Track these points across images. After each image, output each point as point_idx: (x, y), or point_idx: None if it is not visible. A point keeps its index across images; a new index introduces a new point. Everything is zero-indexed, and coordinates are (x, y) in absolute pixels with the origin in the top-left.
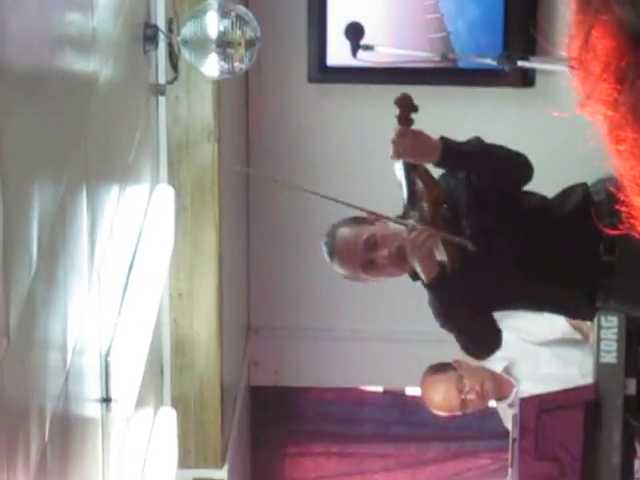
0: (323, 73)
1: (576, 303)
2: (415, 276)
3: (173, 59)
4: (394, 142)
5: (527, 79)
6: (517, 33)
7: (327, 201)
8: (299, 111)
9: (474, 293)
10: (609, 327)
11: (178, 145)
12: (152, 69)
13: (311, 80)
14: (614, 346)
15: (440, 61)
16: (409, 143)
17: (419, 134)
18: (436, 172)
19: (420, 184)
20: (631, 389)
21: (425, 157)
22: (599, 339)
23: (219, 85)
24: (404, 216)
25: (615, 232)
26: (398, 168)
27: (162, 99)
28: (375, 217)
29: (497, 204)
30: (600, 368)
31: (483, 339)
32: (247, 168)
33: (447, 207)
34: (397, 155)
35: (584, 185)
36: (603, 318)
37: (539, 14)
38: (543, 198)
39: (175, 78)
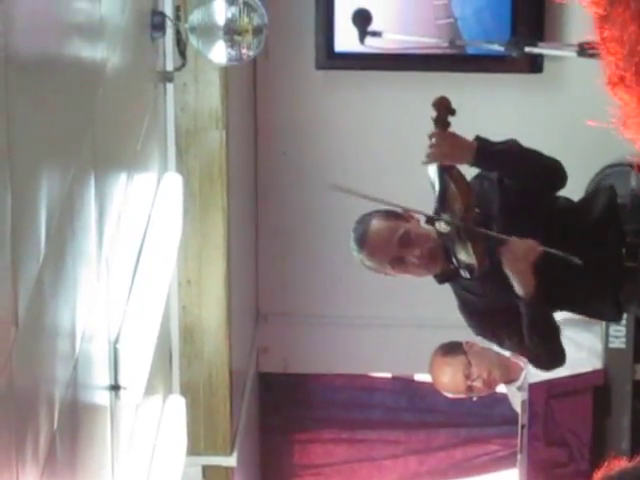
0: (331, 60)
1: (603, 306)
2: (442, 279)
3: (181, 46)
4: (431, 146)
5: (535, 65)
6: (525, 19)
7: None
8: (307, 98)
9: (503, 296)
10: None
11: (186, 132)
12: (160, 56)
13: (319, 67)
14: (623, 331)
15: (448, 47)
16: (447, 146)
17: (456, 137)
18: (467, 173)
19: (453, 186)
20: None
21: (462, 158)
22: (608, 325)
23: (227, 72)
24: (436, 217)
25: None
26: (432, 169)
27: (170, 86)
28: (409, 214)
29: (528, 208)
30: (609, 353)
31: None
32: (337, 185)
33: (478, 211)
34: (435, 159)
35: (610, 188)
36: None
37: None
38: (567, 200)
39: (183, 65)
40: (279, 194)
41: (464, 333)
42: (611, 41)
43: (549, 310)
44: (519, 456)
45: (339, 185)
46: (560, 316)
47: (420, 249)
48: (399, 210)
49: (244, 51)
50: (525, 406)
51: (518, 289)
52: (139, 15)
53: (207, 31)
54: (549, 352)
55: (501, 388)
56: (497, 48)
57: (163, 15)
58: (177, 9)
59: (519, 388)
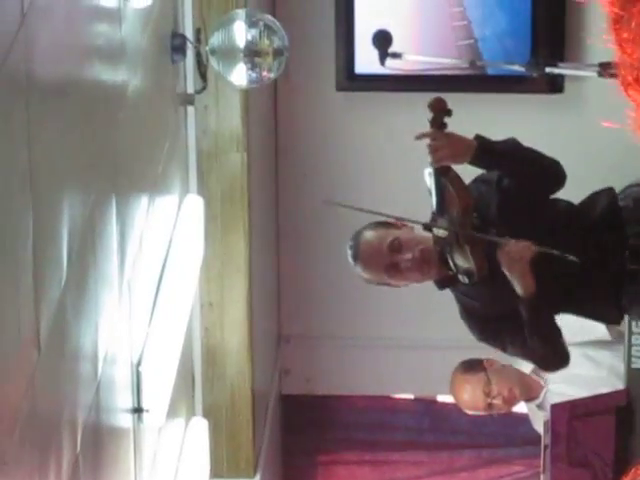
0: (351, 81)
1: (605, 308)
2: (441, 284)
3: (201, 69)
4: (430, 147)
5: (556, 85)
6: (545, 39)
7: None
8: (328, 120)
9: (504, 301)
10: None
11: (207, 154)
12: (180, 79)
13: (339, 88)
14: None
15: (468, 68)
16: (446, 147)
17: (453, 136)
18: (465, 177)
19: (451, 189)
20: None
21: (462, 157)
22: (630, 345)
23: (247, 94)
24: (432, 222)
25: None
26: (428, 174)
27: (191, 109)
28: (401, 223)
29: (527, 210)
30: (631, 373)
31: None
32: (333, 201)
33: (476, 215)
34: (436, 161)
35: (610, 190)
36: (634, 324)
37: (567, 19)
38: (569, 204)
39: (203, 88)
40: (300, 216)
41: (486, 353)
42: (627, 42)
43: (549, 311)
44: (542, 477)
45: (332, 200)
46: (580, 337)
47: (412, 253)
48: (391, 220)
49: (265, 73)
50: (547, 427)
51: (518, 290)
52: (159, 38)
53: (228, 53)
54: (551, 353)
55: (521, 407)
56: (517, 69)
57: (184, 37)
58: (197, 31)
59: (539, 406)
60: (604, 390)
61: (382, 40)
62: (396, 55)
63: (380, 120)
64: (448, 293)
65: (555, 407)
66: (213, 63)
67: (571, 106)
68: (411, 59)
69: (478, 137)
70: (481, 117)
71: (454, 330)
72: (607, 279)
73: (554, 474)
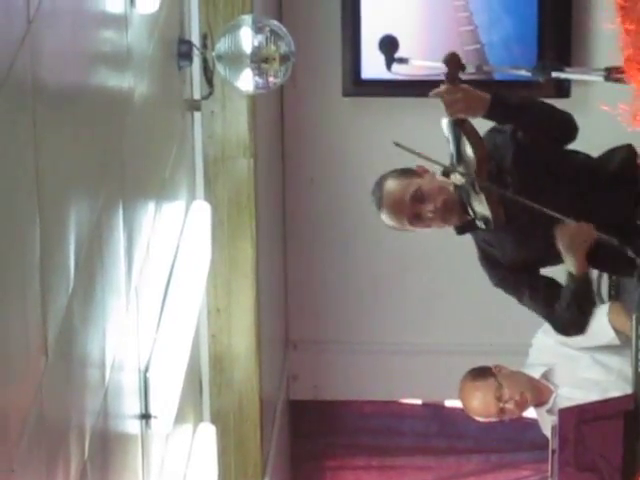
0: (358, 87)
1: (618, 262)
2: (461, 229)
3: (208, 74)
4: (446, 101)
5: (562, 90)
6: (551, 44)
7: (363, 214)
8: (334, 125)
9: (523, 252)
10: None
11: (214, 160)
12: (187, 85)
13: (346, 94)
14: None
15: (475, 73)
16: (461, 100)
17: (468, 90)
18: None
19: (466, 140)
20: None
21: (476, 110)
22: (637, 349)
23: (254, 100)
24: (450, 169)
25: None
26: (445, 124)
27: (197, 114)
28: (423, 169)
29: (542, 161)
30: (639, 378)
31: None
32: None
33: (492, 163)
34: (451, 114)
35: (629, 146)
36: None
37: (574, 24)
38: (588, 157)
39: (210, 93)
40: (307, 221)
41: (494, 359)
42: (635, 34)
43: (592, 285)
44: None
45: (401, 143)
46: (589, 342)
47: (434, 203)
48: (413, 167)
49: (271, 79)
50: (555, 431)
51: (570, 267)
52: (166, 44)
53: (234, 59)
54: (577, 322)
55: (531, 412)
56: (524, 73)
57: (190, 43)
58: (204, 37)
59: (549, 411)
60: (614, 394)
61: (388, 45)
62: (402, 60)
63: (386, 125)
64: (456, 299)
65: (563, 412)
66: (220, 69)
67: (577, 110)
68: (417, 64)
69: (492, 93)
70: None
71: (461, 335)
72: (620, 233)
73: (562, 479)
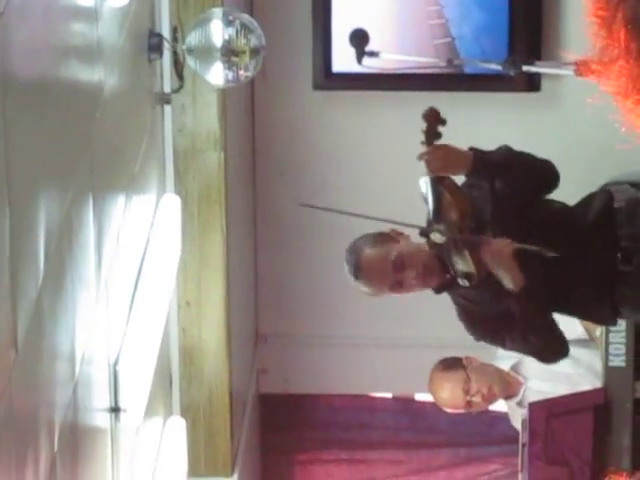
0: (328, 80)
1: (600, 310)
2: (439, 289)
3: (178, 68)
4: (426, 159)
5: (532, 84)
6: (522, 38)
7: (334, 207)
8: (305, 118)
9: (501, 300)
10: (618, 331)
11: (184, 154)
12: (157, 78)
13: (316, 87)
14: (623, 350)
15: (445, 67)
16: (442, 158)
17: (449, 147)
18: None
19: (448, 196)
20: None
21: (459, 168)
22: (608, 343)
23: (224, 93)
24: (429, 229)
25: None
26: (424, 182)
27: (168, 108)
28: (397, 232)
29: (521, 213)
30: (609, 372)
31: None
32: (309, 203)
33: (471, 219)
34: (434, 172)
35: (607, 192)
36: None
37: (544, 18)
38: (565, 205)
39: (180, 87)
40: (278, 215)
41: (463, 352)
42: (604, 22)
43: (542, 304)
44: (520, 475)
45: (308, 203)
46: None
47: (415, 269)
48: (387, 230)
49: (242, 72)
50: (525, 425)
51: (507, 285)
52: (136, 37)
53: (204, 52)
54: (548, 345)
55: (501, 405)
56: (494, 67)
57: (160, 36)
58: (174, 30)
59: (519, 404)
60: (583, 388)
61: (359, 39)
62: (373, 54)
63: (357, 119)
64: (425, 293)
65: (533, 405)
66: (190, 62)
67: (548, 105)
68: (388, 58)
69: (473, 149)
70: (458, 116)
71: (432, 329)
72: (602, 281)
73: (532, 472)
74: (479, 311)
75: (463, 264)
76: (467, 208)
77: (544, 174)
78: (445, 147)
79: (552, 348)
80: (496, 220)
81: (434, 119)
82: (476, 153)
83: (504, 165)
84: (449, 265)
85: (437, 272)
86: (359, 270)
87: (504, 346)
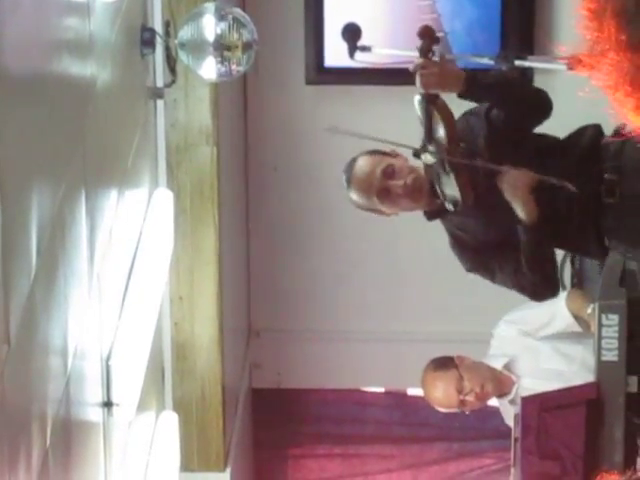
0: (321, 75)
1: (588, 243)
2: (431, 215)
3: (170, 62)
4: (420, 74)
5: (525, 78)
6: (514, 32)
7: (326, 202)
8: (297, 113)
9: (492, 230)
10: (610, 325)
11: (177, 148)
12: (150, 72)
13: (309, 82)
14: (615, 344)
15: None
16: (436, 73)
17: (444, 64)
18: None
19: (437, 115)
20: (633, 387)
21: (451, 86)
22: (600, 337)
23: (217, 88)
24: (421, 150)
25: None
26: (418, 101)
27: (160, 102)
28: (396, 153)
29: (514, 141)
30: (601, 366)
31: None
32: (336, 128)
33: (464, 145)
34: (425, 87)
35: (597, 126)
36: (604, 316)
37: (537, 13)
38: (556, 138)
39: (173, 81)
40: (270, 209)
41: (457, 347)
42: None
43: (548, 238)
44: (513, 470)
45: (335, 127)
46: (552, 329)
47: (404, 180)
48: (387, 149)
49: (234, 67)
50: (518, 419)
51: (521, 216)
52: (129, 31)
53: (197, 47)
54: (543, 279)
55: (493, 402)
56: (487, 62)
57: (153, 31)
58: (167, 25)
59: (511, 402)
60: (576, 384)
61: (351, 33)
62: (365, 48)
63: (349, 113)
64: (418, 287)
65: (525, 400)
66: (182, 57)
67: None
68: (380, 52)
69: (466, 70)
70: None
71: (424, 323)
72: (588, 214)
73: (524, 467)
74: (471, 241)
75: (450, 187)
76: (454, 130)
77: (537, 101)
78: (439, 63)
79: (547, 283)
80: (489, 147)
81: (428, 37)
82: (469, 73)
83: (496, 85)
84: (437, 188)
85: (426, 192)
86: (351, 175)
87: (493, 278)
